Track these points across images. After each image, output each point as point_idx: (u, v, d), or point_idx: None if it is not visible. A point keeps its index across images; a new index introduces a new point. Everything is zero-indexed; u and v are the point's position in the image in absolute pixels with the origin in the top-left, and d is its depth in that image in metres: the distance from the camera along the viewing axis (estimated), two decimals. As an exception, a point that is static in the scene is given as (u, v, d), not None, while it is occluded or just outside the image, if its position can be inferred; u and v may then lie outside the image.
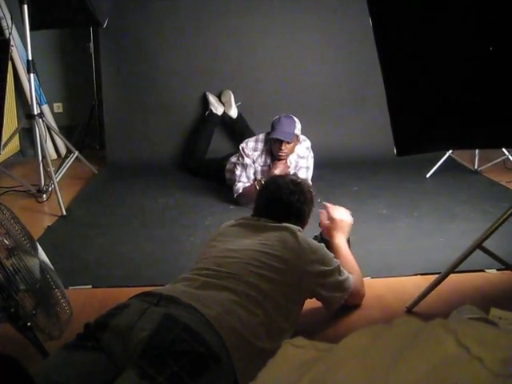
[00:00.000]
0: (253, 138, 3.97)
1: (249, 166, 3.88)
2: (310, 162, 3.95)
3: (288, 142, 3.72)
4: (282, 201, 2.23)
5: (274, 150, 3.80)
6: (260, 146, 3.90)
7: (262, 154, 3.88)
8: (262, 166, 3.89)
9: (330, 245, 2.42)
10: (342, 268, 2.19)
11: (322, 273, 2.08)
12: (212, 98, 4.90)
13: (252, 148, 3.90)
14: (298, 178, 2.45)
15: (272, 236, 2.06)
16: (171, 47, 4.97)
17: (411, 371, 0.37)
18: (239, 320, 1.71)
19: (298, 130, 3.77)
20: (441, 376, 0.36)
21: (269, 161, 3.88)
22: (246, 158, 3.88)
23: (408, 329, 0.41)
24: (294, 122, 3.76)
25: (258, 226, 2.16)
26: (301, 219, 2.28)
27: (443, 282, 2.36)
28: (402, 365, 0.37)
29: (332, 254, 2.22)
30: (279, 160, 3.79)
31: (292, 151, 3.82)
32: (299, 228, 2.15)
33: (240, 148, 3.94)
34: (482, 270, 2.78)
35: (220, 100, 4.93)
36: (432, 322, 0.41)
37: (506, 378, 0.34)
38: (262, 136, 3.94)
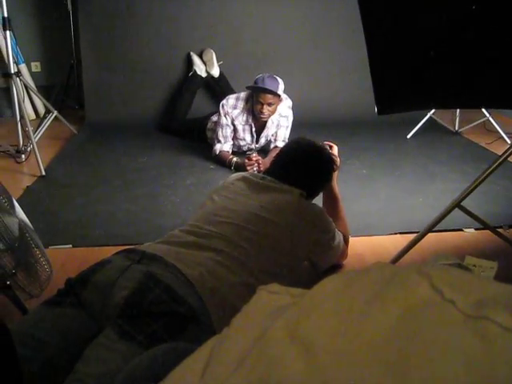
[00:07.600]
0: (234, 96, 3.93)
1: (225, 126, 3.85)
2: (290, 121, 3.94)
3: (270, 104, 3.69)
4: (304, 164, 2.16)
5: (255, 110, 3.76)
6: (240, 103, 3.85)
7: (242, 112, 3.84)
8: (242, 125, 3.87)
9: None
10: (336, 233, 2.18)
11: (318, 241, 2.07)
12: (197, 59, 4.82)
13: (232, 106, 3.86)
14: (324, 145, 2.29)
15: (273, 199, 2.00)
16: (154, 4, 4.85)
17: (384, 315, 0.37)
18: (221, 280, 1.69)
19: (280, 91, 3.73)
20: (413, 319, 0.36)
21: (250, 120, 3.85)
22: (223, 117, 3.85)
23: (382, 274, 0.41)
24: (278, 82, 3.71)
25: (262, 185, 2.09)
26: (312, 190, 2.21)
27: (422, 241, 2.37)
28: (375, 309, 0.37)
29: (330, 219, 2.16)
30: (261, 119, 3.75)
31: (273, 112, 3.80)
32: (302, 192, 2.06)
33: (220, 105, 3.90)
34: (461, 230, 2.82)
35: (201, 59, 4.85)
36: (406, 267, 0.41)
37: (477, 320, 0.34)
38: (243, 94, 3.90)
